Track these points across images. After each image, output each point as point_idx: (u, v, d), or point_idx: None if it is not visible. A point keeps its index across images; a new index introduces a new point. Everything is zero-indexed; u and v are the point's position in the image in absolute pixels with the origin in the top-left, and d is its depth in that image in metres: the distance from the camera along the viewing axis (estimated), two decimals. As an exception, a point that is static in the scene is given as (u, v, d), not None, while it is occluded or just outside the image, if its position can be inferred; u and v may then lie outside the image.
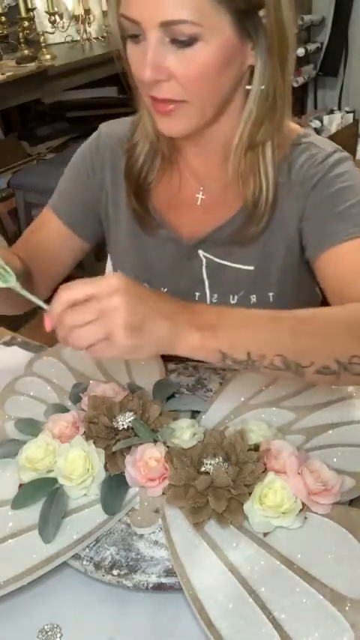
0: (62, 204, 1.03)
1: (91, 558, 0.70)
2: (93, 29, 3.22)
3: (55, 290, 0.66)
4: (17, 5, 2.88)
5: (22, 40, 2.89)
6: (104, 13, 3.16)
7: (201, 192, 0.95)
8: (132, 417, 0.82)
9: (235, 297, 0.96)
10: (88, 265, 2.24)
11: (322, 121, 3.33)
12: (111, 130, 1.00)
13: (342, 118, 3.38)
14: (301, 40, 3.44)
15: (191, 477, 0.73)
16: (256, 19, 0.76)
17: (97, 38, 3.23)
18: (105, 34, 3.16)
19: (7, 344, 1.13)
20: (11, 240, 0.82)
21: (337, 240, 0.84)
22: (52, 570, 0.69)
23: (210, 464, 0.74)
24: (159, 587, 0.68)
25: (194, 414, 0.88)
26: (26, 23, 2.88)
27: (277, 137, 0.86)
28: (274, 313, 0.72)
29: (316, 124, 3.29)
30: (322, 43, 3.60)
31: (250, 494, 0.72)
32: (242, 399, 0.90)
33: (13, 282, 0.71)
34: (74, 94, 3.57)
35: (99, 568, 0.69)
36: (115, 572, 0.68)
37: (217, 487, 0.72)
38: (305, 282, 0.98)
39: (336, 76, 3.65)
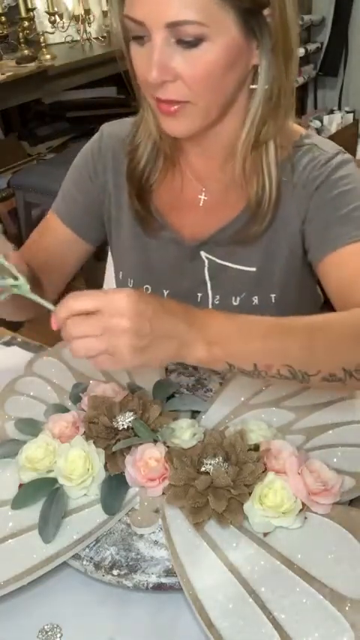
0: (66, 207, 1.03)
1: (91, 558, 0.70)
2: (93, 29, 3.21)
3: (60, 294, 0.66)
4: (17, 5, 2.88)
5: (22, 40, 2.89)
6: (104, 13, 3.16)
7: (203, 194, 0.95)
8: (132, 417, 0.82)
9: (238, 298, 0.96)
10: (88, 265, 2.24)
11: (322, 121, 3.33)
12: (113, 130, 1.00)
13: (342, 118, 3.37)
14: (301, 40, 3.41)
15: (191, 476, 0.73)
16: (261, 18, 0.76)
17: (97, 38, 3.22)
18: (105, 34, 3.16)
19: (7, 344, 1.13)
20: (11, 241, 0.82)
21: (339, 243, 0.84)
22: (52, 570, 0.69)
23: (210, 464, 0.74)
24: (159, 587, 0.68)
25: (194, 414, 0.88)
26: (26, 23, 2.88)
27: (280, 137, 0.86)
28: (284, 322, 0.71)
29: (316, 124, 3.29)
30: (322, 43, 3.60)
31: (250, 494, 0.72)
32: (242, 399, 0.90)
33: (24, 287, 0.70)
34: (74, 94, 3.56)
35: (99, 568, 0.69)
36: (115, 572, 0.68)
37: (217, 487, 0.72)
38: (307, 285, 0.98)
39: (336, 76, 3.65)
